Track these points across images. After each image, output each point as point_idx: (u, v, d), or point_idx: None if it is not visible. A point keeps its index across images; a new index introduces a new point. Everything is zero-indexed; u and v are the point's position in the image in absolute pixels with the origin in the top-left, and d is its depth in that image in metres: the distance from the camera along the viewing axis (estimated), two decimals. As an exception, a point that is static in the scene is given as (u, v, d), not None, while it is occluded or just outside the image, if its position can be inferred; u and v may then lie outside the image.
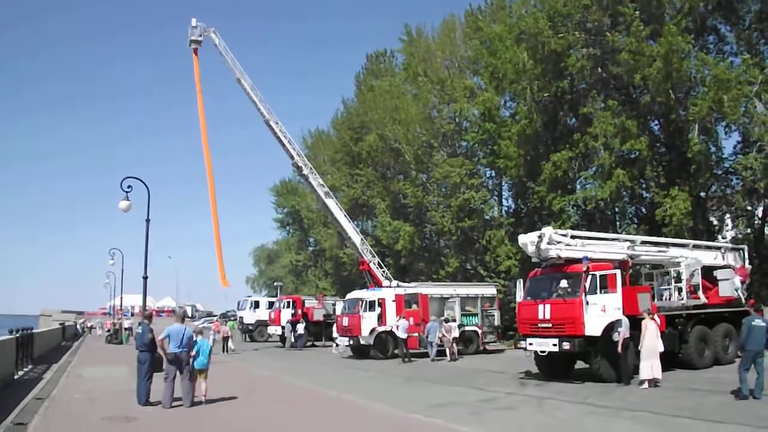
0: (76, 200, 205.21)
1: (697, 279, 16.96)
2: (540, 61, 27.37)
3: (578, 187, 28.72)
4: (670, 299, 17.22)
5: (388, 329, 24.05)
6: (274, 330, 35.50)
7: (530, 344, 15.32)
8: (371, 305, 24.47)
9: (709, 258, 18.33)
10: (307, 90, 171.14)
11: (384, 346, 24.12)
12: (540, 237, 15.14)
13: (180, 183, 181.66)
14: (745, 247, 19.99)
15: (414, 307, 24.76)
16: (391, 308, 24.50)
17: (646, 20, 24.58)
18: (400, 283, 27.17)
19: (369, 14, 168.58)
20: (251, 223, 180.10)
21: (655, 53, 23.38)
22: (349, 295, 26.98)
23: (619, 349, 13.71)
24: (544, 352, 15.16)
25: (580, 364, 15.68)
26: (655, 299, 16.73)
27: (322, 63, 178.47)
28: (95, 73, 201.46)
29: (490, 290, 26.71)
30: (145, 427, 9.76)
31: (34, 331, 23.64)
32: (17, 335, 18.23)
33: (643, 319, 13.65)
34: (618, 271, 14.95)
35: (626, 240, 17.00)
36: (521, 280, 17.00)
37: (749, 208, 25.43)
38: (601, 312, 14.30)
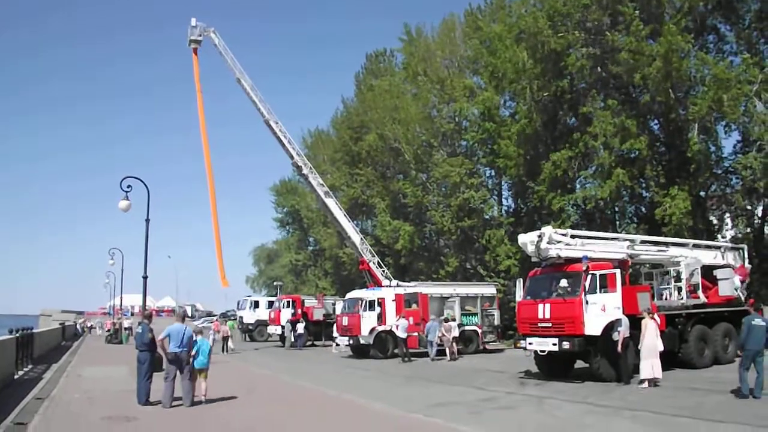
0: (76, 200, 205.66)
1: (697, 278, 16.97)
2: (540, 61, 27.37)
3: (578, 186, 28.71)
4: (669, 299, 17.22)
5: (388, 329, 24.05)
6: (273, 330, 35.50)
7: (530, 344, 15.32)
8: (371, 305, 24.47)
9: (708, 257, 18.34)
10: (307, 90, 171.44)
11: (384, 345, 24.12)
12: (540, 236, 15.14)
13: (180, 183, 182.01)
14: (745, 247, 20.00)
15: (414, 306, 24.76)
16: (390, 308, 24.50)
17: (645, 19, 24.59)
18: (400, 283, 27.19)
19: (369, 14, 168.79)
20: (251, 222, 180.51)
21: (654, 53, 23.38)
22: (349, 295, 26.98)
23: (619, 348, 13.71)
24: (543, 351, 15.18)
25: (579, 364, 15.69)
26: (655, 298, 16.72)
27: (322, 63, 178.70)
28: (95, 73, 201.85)
29: (489, 290, 26.71)
30: (145, 427, 9.76)
31: (34, 331, 23.63)
32: (17, 335, 18.23)
33: (643, 318, 13.65)
34: (618, 271, 14.95)
35: (626, 239, 16.99)
36: (521, 280, 16.99)
37: (749, 207, 25.43)
38: (600, 311, 14.30)
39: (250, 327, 40.39)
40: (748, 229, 25.69)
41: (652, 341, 13.26)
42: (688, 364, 15.93)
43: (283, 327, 33.01)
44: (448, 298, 25.18)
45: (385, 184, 39.63)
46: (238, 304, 45.40)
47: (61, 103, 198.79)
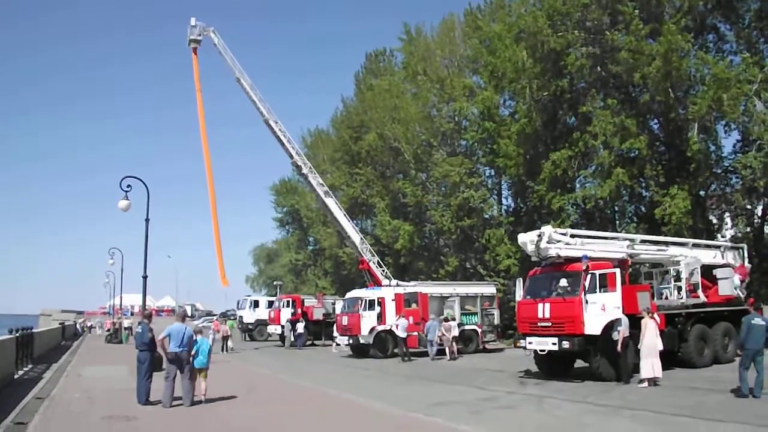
0: (76, 200, 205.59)
1: (697, 278, 16.97)
2: (539, 60, 27.35)
3: (578, 185, 28.70)
4: (669, 298, 17.23)
5: (388, 328, 24.04)
6: (273, 329, 35.46)
7: (530, 343, 15.32)
8: (371, 304, 24.45)
9: (708, 257, 18.35)
10: (307, 90, 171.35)
11: (383, 345, 24.11)
12: (539, 236, 15.14)
13: (180, 183, 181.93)
14: (745, 246, 20.01)
15: (413, 306, 24.75)
16: (390, 307, 24.48)
17: (645, 19, 24.58)
18: (400, 282, 27.17)
19: (369, 14, 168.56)
20: (251, 222, 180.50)
21: (654, 52, 23.36)
22: (349, 294, 26.97)
23: (619, 347, 13.72)
24: (543, 351, 15.18)
25: (579, 363, 15.69)
26: (655, 298, 16.71)
27: (322, 63, 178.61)
28: (95, 72, 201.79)
29: (489, 289, 26.71)
30: (145, 427, 9.76)
31: (33, 330, 23.62)
32: (17, 335, 18.24)
33: (643, 317, 13.66)
34: (617, 270, 14.96)
35: (626, 239, 17.00)
36: (521, 279, 17.00)
37: (749, 206, 25.44)
38: (600, 311, 14.31)
39: (250, 326, 40.37)
40: (748, 229, 25.68)
41: (651, 340, 13.27)
42: (687, 364, 15.93)
43: (282, 326, 32.98)
44: (447, 297, 25.19)
45: (385, 183, 39.64)
46: (238, 303, 45.39)
47: (60, 103, 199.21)
